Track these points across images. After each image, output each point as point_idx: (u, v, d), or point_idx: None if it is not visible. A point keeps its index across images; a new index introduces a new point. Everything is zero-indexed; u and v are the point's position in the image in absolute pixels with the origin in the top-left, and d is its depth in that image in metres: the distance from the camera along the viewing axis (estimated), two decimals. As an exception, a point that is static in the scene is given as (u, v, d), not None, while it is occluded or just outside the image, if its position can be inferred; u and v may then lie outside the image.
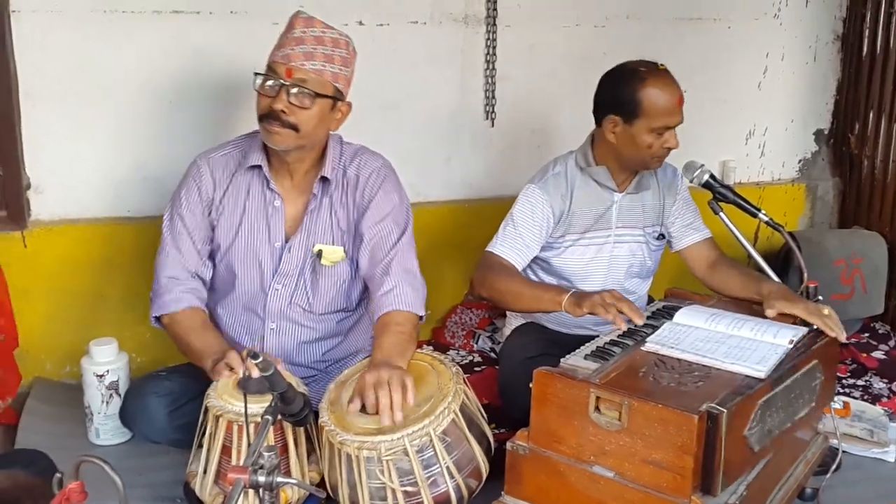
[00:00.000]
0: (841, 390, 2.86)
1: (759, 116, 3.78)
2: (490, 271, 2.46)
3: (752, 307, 2.37)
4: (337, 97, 2.21)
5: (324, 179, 2.29)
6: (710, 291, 2.65)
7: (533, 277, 2.67)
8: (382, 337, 2.13)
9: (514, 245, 2.50)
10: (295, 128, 2.15)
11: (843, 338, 2.19)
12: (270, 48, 2.22)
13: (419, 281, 2.29)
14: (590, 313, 2.19)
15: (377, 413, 1.91)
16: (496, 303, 2.55)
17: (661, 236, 2.69)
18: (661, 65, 2.46)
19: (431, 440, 1.88)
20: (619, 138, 2.47)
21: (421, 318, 2.26)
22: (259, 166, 2.29)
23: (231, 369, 2.03)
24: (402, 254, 2.28)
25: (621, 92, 2.44)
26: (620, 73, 2.48)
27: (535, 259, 2.59)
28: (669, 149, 2.47)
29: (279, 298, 2.34)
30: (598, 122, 2.53)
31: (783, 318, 2.24)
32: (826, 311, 2.22)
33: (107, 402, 2.45)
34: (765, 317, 2.24)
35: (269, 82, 2.14)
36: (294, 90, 2.12)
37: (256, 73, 2.17)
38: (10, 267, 2.74)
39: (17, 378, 2.53)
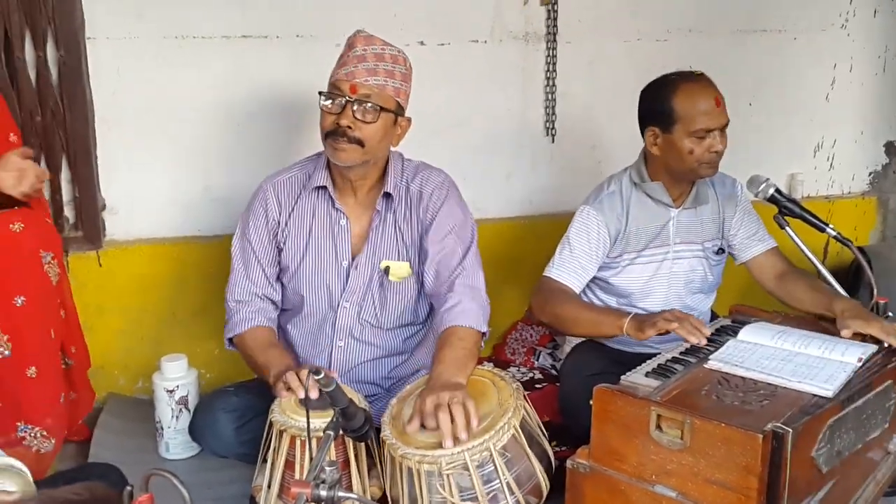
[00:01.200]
0: (915, 409, 2.77)
1: (827, 129, 3.71)
2: (548, 296, 2.46)
3: (821, 324, 2.32)
4: (398, 112, 2.25)
5: (386, 195, 2.33)
6: (777, 306, 2.60)
7: (592, 298, 2.65)
8: (444, 350, 2.14)
9: (570, 268, 2.50)
10: (360, 143, 2.20)
11: None
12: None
13: (484, 298, 2.30)
14: (655, 333, 2.17)
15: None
16: (556, 328, 2.55)
17: (721, 250, 2.65)
18: (697, 71, 2.45)
19: (491, 455, 1.88)
20: (662, 149, 2.46)
21: (484, 335, 2.26)
22: (324, 187, 2.34)
23: (289, 389, 2.06)
24: (467, 271, 2.29)
25: (656, 102, 2.45)
26: (654, 84, 2.49)
27: (594, 279, 2.58)
28: (717, 153, 2.43)
29: (348, 315, 2.38)
30: (643, 137, 2.52)
31: (854, 335, 2.19)
32: None
33: (177, 417, 2.51)
34: (834, 333, 2.19)
35: (335, 101, 2.19)
36: (358, 105, 2.17)
37: (321, 93, 2.22)
38: (86, 285, 2.84)
39: (91, 396, 2.62)
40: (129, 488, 1.71)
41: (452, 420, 1.89)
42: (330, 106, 2.20)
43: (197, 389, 2.57)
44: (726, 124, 2.43)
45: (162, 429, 2.54)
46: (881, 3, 3.64)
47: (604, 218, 2.52)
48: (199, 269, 2.93)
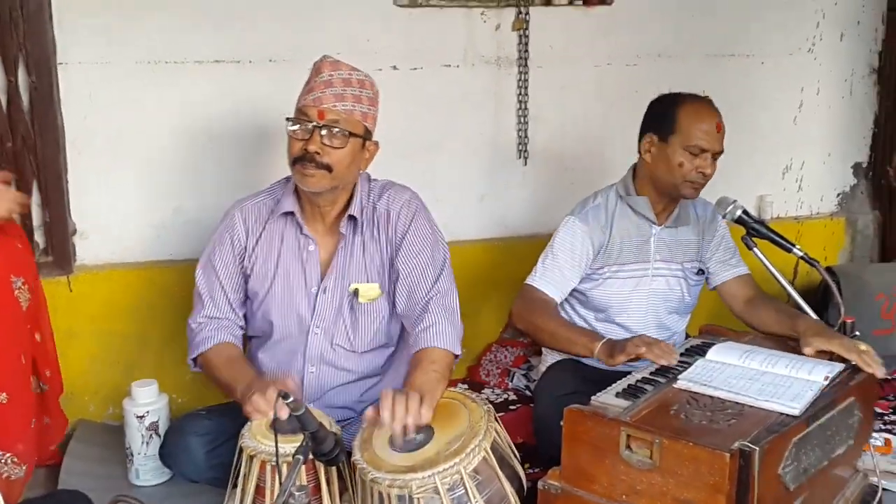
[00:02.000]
0: (883, 427, 2.80)
1: (795, 151, 3.77)
2: (528, 306, 2.49)
3: (788, 343, 2.34)
4: (366, 136, 2.26)
5: (351, 218, 2.33)
6: (746, 328, 2.63)
7: (570, 312, 2.68)
8: (415, 374, 2.13)
9: (552, 278, 2.53)
10: (329, 168, 2.19)
11: (880, 374, 2.16)
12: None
13: (457, 319, 2.29)
14: (626, 360, 2.19)
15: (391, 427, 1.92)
16: (532, 337, 2.58)
17: (701, 272, 2.68)
18: (708, 97, 2.54)
19: (462, 478, 1.87)
20: (654, 157, 2.52)
21: (457, 356, 2.26)
22: (291, 213, 2.33)
23: (256, 410, 2.04)
24: (441, 293, 2.28)
25: (660, 111, 2.52)
26: (664, 96, 2.58)
27: (573, 292, 2.61)
28: (704, 175, 2.48)
29: (319, 341, 2.37)
30: (639, 144, 2.57)
31: (820, 354, 2.21)
32: (863, 346, 2.19)
33: (147, 443, 2.49)
34: (800, 353, 2.21)
35: (302, 126, 2.19)
36: (326, 131, 2.17)
37: (288, 119, 2.22)
38: (57, 311, 2.81)
39: (64, 422, 2.59)
40: (94, 515, 1.70)
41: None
42: (297, 131, 2.20)
43: (168, 415, 2.54)
44: (720, 153, 2.50)
45: (132, 455, 2.51)
46: (847, 27, 3.71)
47: (588, 229, 2.56)
48: (170, 293, 2.91)
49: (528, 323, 2.48)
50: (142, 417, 2.48)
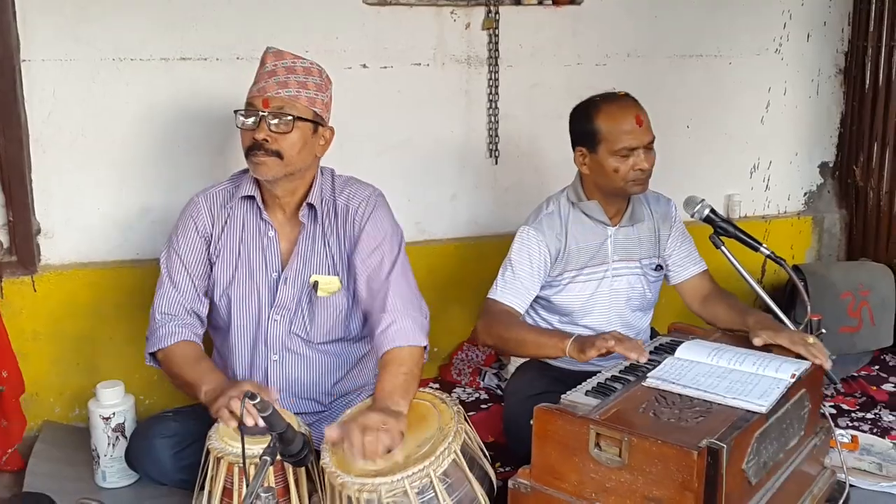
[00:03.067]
0: (850, 424, 2.84)
1: (763, 150, 3.81)
2: (493, 319, 2.48)
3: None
4: (317, 122, 2.26)
5: (310, 206, 2.32)
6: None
7: (535, 317, 2.68)
8: (384, 379, 2.12)
9: (513, 289, 2.53)
10: (279, 155, 2.21)
11: (827, 365, 2.20)
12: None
13: (417, 309, 2.27)
14: (596, 354, 2.20)
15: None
16: (501, 351, 2.58)
17: (659, 267, 2.70)
18: (621, 92, 2.53)
19: (432, 481, 1.87)
20: (591, 169, 2.53)
21: (425, 347, 2.24)
22: (252, 196, 2.34)
23: (231, 413, 2.02)
24: (396, 283, 2.27)
25: (581, 124, 2.52)
26: (579, 106, 2.57)
27: (537, 298, 2.61)
28: (643, 170, 2.48)
29: (278, 328, 2.36)
30: (574, 158, 2.59)
31: (782, 350, 2.24)
32: (811, 339, 2.23)
33: (113, 445, 2.46)
34: (767, 350, 2.24)
35: (249, 118, 2.22)
36: (273, 119, 2.19)
37: (236, 112, 2.24)
38: (21, 311, 2.78)
39: (22, 425, 2.55)
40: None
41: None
42: (246, 123, 2.22)
43: (134, 416, 2.51)
44: (651, 142, 2.49)
45: (98, 457, 2.48)
46: (814, 28, 3.75)
47: (544, 238, 2.55)
48: (136, 294, 2.87)
49: (494, 336, 2.45)
50: (108, 419, 2.45)
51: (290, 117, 2.20)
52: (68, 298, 2.85)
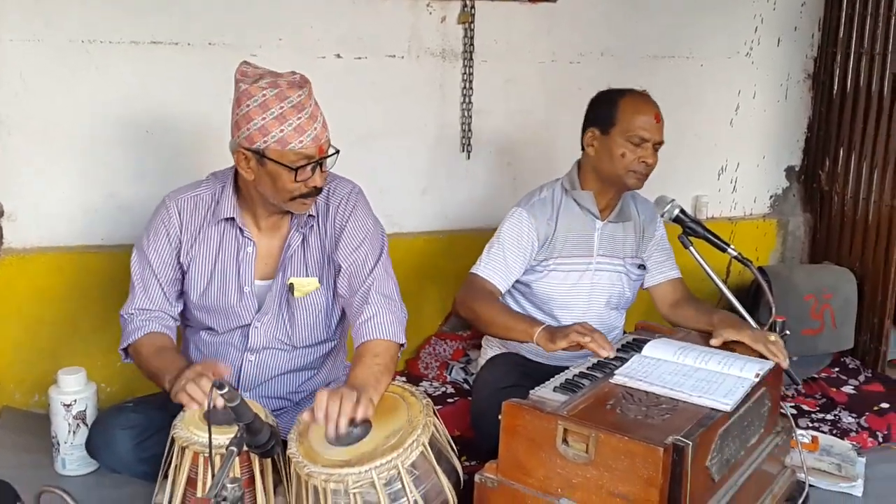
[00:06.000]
0: (810, 425, 2.88)
1: (731, 153, 3.84)
2: (471, 294, 2.51)
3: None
4: None
5: (310, 215, 2.29)
6: (675, 325, 2.69)
7: (512, 303, 2.69)
8: (357, 368, 2.11)
9: (497, 267, 2.55)
10: (321, 189, 2.20)
11: (785, 364, 2.25)
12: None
13: (399, 307, 2.27)
14: (566, 346, 2.21)
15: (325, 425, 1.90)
16: (473, 325, 2.61)
17: (642, 266, 2.73)
18: (644, 90, 2.59)
19: (399, 473, 1.87)
20: (597, 150, 2.57)
21: (402, 345, 2.24)
22: (232, 218, 2.28)
23: (189, 396, 1.99)
24: (379, 280, 2.26)
25: (602, 105, 2.58)
26: (605, 91, 2.63)
27: (517, 283, 2.63)
28: (646, 164, 2.52)
29: (259, 336, 2.33)
30: (582, 139, 2.61)
31: (747, 350, 2.28)
32: (772, 337, 2.28)
33: (73, 432, 2.42)
34: (733, 350, 2.27)
35: (310, 167, 2.11)
36: (324, 162, 2.15)
37: (295, 169, 2.09)
38: (-19, 295, 2.73)
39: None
40: (17, 506, 1.64)
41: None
42: (305, 176, 2.11)
43: (95, 403, 2.47)
44: (660, 143, 2.55)
45: (58, 444, 2.44)
46: (784, 32, 3.80)
47: (535, 221, 2.59)
48: (101, 280, 2.84)
49: (469, 310, 2.49)
50: (69, 406, 2.41)
51: (335, 155, 2.17)
52: (31, 283, 2.80)
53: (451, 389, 3.06)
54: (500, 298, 2.56)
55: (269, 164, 2.09)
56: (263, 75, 2.10)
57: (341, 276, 2.29)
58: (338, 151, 2.19)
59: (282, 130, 2.06)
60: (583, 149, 2.62)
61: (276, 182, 2.12)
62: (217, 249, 2.30)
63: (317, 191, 2.17)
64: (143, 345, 2.25)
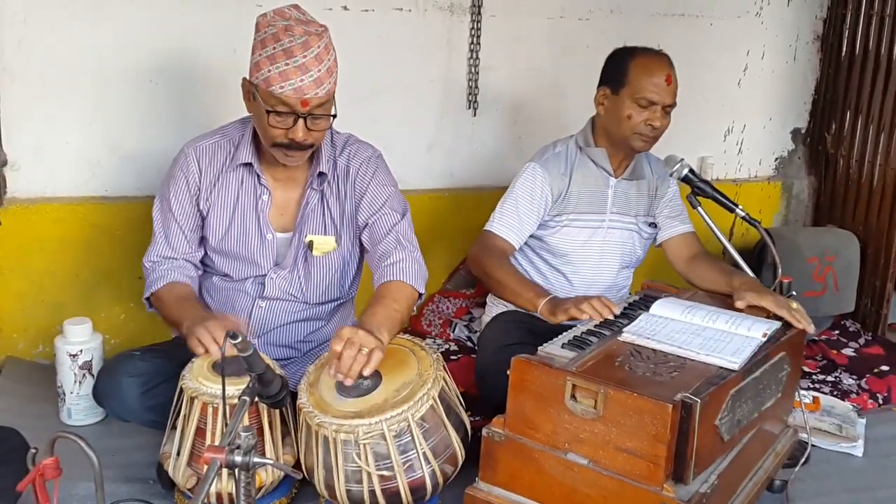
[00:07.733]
0: (811, 386, 2.90)
1: (738, 114, 3.82)
2: (484, 252, 2.53)
3: (727, 301, 2.39)
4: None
5: (321, 175, 2.28)
6: (686, 285, 2.68)
7: (530, 254, 2.71)
8: (376, 306, 2.10)
9: (511, 223, 2.57)
10: (311, 146, 2.17)
11: (811, 330, 2.23)
12: (252, 32, 2.13)
13: (422, 261, 2.28)
14: (566, 319, 2.23)
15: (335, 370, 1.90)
16: (483, 284, 2.64)
17: (653, 224, 2.73)
18: (662, 50, 2.56)
19: (409, 425, 1.88)
20: (607, 110, 2.56)
21: (420, 295, 2.25)
22: (250, 164, 2.27)
23: (202, 344, 2.00)
24: (404, 231, 2.27)
25: (614, 63, 2.57)
26: (620, 49, 2.61)
27: (530, 237, 2.64)
28: (654, 128, 2.51)
29: (274, 287, 2.34)
30: (596, 97, 2.62)
31: (756, 311, 2.27)
32: (795, 304, 2.26)
33: (80, 382, 2.43)
34: (739, 310, 2.27)
35: (285, 117, 2.08)
36: (311, 118, 2.10)
37: (268, 111, 2.07)
38: (-16, 244, 2.71)
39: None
40: (32, 451, 1.65)
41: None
42: (280, 121, 2.09)
43: (101, 354, 2.48)
44: (671, 105, 2.52)
45: (64, 394, 2.45)
46: (794, -8, 3.76)
47: (548, 176, 2.59)
48: (105, 231, 2.82)
49: (481, 269, 2.51)
50: (75, 356, 2.42)
51: (328, 113, 2.13)
52: (35, 233, 2.78)
53: (454, 347, 3.06)
54: (512, 255, 2.56)
55: (258, 101, 2.10)
56: (288, 16, 2.09)
57: (365, 231, 2.30)
58: (334, 116, 2.17)
59: (269, 70, 2.04)
60: (595, 106, 2.61)
61: (259, 121, 2.14)
62: (236, 196, 2.30)
63: (298, 145, 2.13)
64: (164, 293, 2.26)
